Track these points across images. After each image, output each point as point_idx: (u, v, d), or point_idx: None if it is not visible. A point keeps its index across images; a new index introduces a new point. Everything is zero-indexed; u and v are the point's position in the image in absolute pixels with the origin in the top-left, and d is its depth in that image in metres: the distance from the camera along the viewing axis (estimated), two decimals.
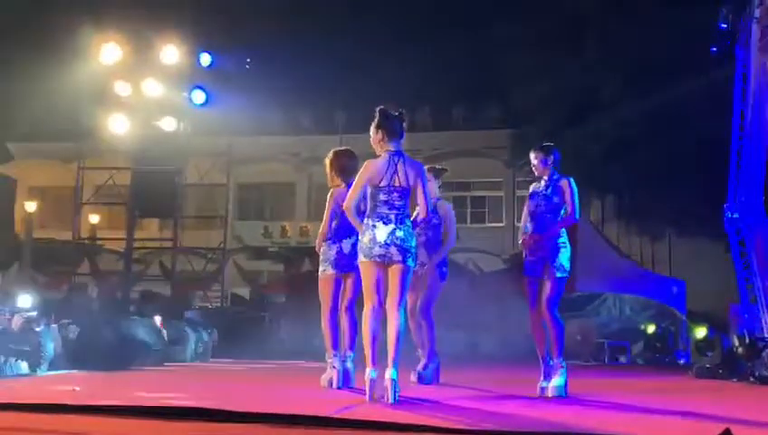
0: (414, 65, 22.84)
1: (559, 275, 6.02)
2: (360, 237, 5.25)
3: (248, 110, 16.74)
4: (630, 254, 19.64)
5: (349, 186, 5.67)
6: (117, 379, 7.36)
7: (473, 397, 5.96)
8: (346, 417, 4.26)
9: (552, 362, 6.02)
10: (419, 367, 6.95)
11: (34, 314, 7.96)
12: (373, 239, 5.13)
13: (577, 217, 6.15)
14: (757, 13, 9.09)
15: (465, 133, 26.96)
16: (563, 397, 5.85)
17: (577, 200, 6.13)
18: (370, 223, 5.18)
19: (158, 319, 10.15)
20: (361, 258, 5.21)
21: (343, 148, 6.64)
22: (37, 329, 7.74)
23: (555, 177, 6.16)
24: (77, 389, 5.89)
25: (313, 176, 28.18)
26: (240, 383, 7.40)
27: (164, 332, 10.04)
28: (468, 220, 25.80)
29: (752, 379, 8.42)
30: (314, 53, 22.74)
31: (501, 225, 26.95)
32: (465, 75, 24.34)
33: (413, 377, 6.91)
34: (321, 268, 6.48)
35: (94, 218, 23.11)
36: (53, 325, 8.43)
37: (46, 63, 16.58)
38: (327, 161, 6.52)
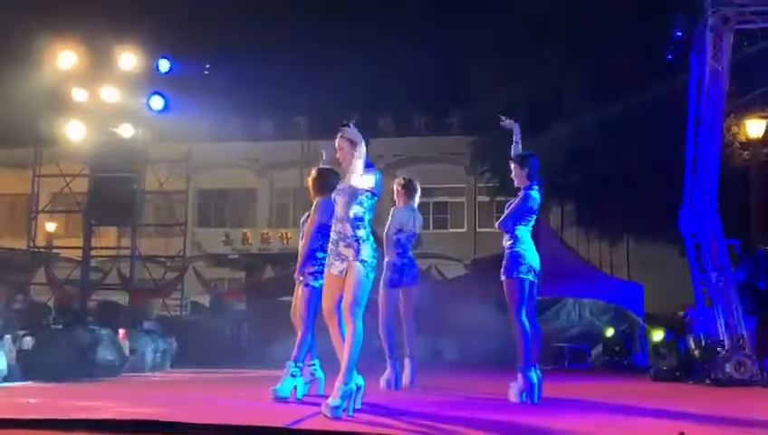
0: (375, 72, 22.88)
1: (508, 280, 6.14)
2: (375, 255, 5.11)
3: (208, 116, 16.63)
4: (589, 258, 19.87)
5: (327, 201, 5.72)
6: (72, 390, 7.21)
7: (434, 403, 5.96)
8: (301, 428, 4.22)
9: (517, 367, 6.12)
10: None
11: None
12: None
13: (501, 225, 6.26)
14: (711, 21, 9.25)
15: (426, 139, 27.11)
16: (521, 402, 5.91)
17: (515, 211, 6.22)
18: (370, 236, 5.14)
19: (121, 332, 9.99)
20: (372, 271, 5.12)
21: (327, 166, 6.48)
22: None
23: (528, 188, 6.27)
24: (31, 401, 5.76)
25: (275, 182, 28.09)
26: (198, 393, 7.30)
27: (125, 344, 9.87)
28: (431, 226, 25.89)
29: (708, 381, 8.56)
30: (274, 58, 22.62)
31: (462, 230, 27.11)
32: (426, 82, 24.45)
33: (382, 383, 7.14)
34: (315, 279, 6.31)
35: (50, 226, 22.71)
36: (7, 336, 8.24)
37: (0, 69, 16.24)
38: (311, 180, 6.40)
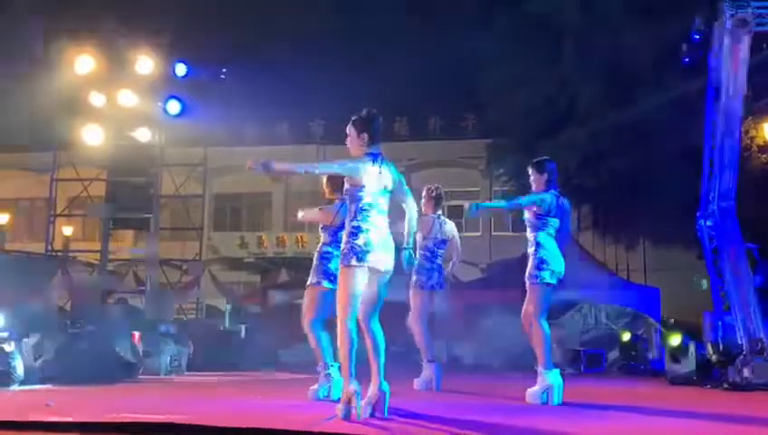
0: (391, 75, 22.90)
1: (533, 285, 6.21)
2: (352, 240, 4.88)
3: (224, 120, 16.67)
4: (606, 262, 19.76)
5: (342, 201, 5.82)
6: (90, 393, 7.26)
7: (450, 406, 5.95)
8: (315, 431, 4.22)
9: (536, 369, 6.21)
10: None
11: (6, 334, 7.84)
12: (368, 244, 4.87)
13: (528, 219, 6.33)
14: (729, 24, 9.19)
15: (442, 143, 27.10)
16: (541, 404, 5.96)
17: (530, 205, 6.30)
18: (363, 226, 4.91)
19: (136, 335, 10.04)
20: (353, 262, 4.88)
21: None
22: (7, 349, 7.64)
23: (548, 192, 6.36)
24: (49, 404, 5.80)
25: (290, 186, 28.16)
26: (214, 397, 7.33)
27: (139, 346, 9.93)
28: None
29: (725, 385, 8.49)
30: (290, 63, 22.71)
31: (478, 234, 27.03)
32: (442, 85, 24.45)
33: (416, 385, 7.45)
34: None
35: (68, 230, 22.84)
36: (26, 340, 8.31)
37: (19, 74, 16.38)
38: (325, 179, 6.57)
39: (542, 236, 6.28)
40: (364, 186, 4.95)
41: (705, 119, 9.65)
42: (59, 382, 8.06)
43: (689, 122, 11.77)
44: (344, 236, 4.98)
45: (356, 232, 4.90)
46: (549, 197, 6.31)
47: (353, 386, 4.81)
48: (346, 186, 5.05)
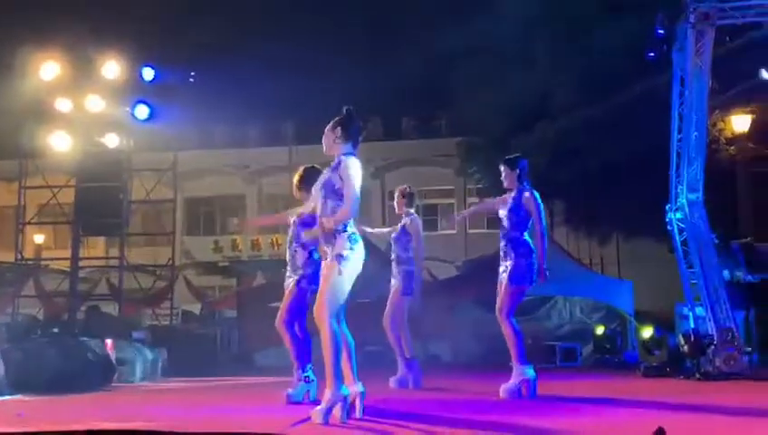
0: (363, 76, 22.91)
1: (516, 287, 6.24)
2: (353, 246, 4.84)
3: (194, 123, 16.57)
4: (579, 257, 19.91)
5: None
6: (63, 402, 7.17)
7: (427, 404, 5.96)
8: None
9: (511, 364, 6.30)
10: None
11: None
12: (362, 250, 4.91)
13: (544, 231, 6.40)
14: (692, 18, 9.31)
15: (415, 142, 27.22)
16: (517, 398, 6.03)
17: (543, 213, 6.33)
18: (356, 231, 4.91)
19: (108, 342, 9.92)
20: (356, 266, 4.86)
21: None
22: None
23: (522, 189, 6.38)
24: (21, 415, 5.72)
25: (263, 188, 28.06)
26: (188, 402, 7.27)
27: (113, 354, 9.82)
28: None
29: (697, 375, 8.61)
30: (260, 64, 22.62)
31: (453, 232, 27.13)
32: (414, 85, 24.49)
33: (392, 383, 7.42)
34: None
35: (38, 238, 22.60)
36: None
37: None
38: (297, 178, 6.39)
39: (527, 235, 6.35)
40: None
41: (671, 112, 9.78)
42: (30, 392, 7.95)
43: (658, 117, 11.88)
44: (342, 240, 4.83)
45: (354, 238, 4.88)
46: (538, 196, 6.36)
47: (342, 392, 4.73)
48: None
